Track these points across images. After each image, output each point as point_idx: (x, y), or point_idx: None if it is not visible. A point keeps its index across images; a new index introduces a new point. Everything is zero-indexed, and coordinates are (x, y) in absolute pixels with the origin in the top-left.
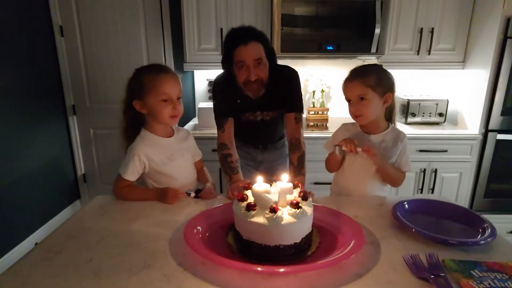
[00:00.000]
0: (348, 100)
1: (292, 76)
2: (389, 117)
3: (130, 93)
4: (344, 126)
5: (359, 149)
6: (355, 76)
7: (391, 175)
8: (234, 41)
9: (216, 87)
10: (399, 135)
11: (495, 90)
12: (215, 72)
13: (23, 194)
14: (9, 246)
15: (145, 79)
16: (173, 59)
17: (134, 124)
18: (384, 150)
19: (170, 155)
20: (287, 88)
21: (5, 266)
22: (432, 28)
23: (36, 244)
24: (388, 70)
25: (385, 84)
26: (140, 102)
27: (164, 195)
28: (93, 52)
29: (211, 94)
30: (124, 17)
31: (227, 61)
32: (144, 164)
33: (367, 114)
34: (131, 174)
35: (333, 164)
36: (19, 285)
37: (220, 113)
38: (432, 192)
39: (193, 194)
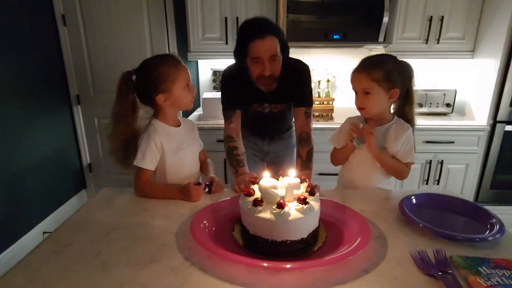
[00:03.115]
0: (355, 92)
1: (303, 71)
2: (404, 112)
3: (150, 89)
4: (349, 119)
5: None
6: (363, 68)
7: (391, 166)
8: (250, 34)
9: (225, 79)
10: (404, 128)
11: (504, 80)
12: (220, 62)
13: (29, 184)
14: (17, 235)
15: (165, 70)
16: (177, 49)
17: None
18: (387, 142)
19: (180, 144)
20: (298, 82)
21: (13, 255)
22: (442, 16)
23: (44, 233)
24: (403, 62)
25: (394, 79)
26: (164, 95)
27: (187, 193)
28: (96, 41)
29: (215, 84)
30: (127, 5)
31: (241, 53)
32: (160, 151)
33: (370, 108)
34: (150, 162)
35: (340, 157)
36: (30, 278)
37: (228, 105)
38: (438, 184)
39: (206, 189)
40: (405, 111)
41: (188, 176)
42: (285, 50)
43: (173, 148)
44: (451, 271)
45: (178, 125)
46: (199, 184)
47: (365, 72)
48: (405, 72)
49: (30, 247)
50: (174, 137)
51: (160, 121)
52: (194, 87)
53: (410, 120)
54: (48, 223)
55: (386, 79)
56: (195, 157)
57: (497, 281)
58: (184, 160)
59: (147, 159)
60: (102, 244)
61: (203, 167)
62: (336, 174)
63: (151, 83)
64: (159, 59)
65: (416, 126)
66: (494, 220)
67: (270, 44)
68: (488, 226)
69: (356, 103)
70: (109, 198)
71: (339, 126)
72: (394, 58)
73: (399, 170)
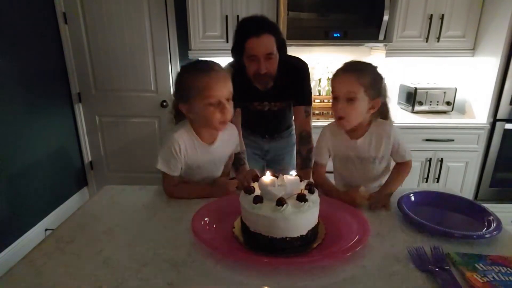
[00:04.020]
0: (335, 97)
1: (302, 69)
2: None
3: (175, 94)
4: (329, 128)
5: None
6: (350, 69)
7: (401, 182)
8: (246, 32)
9: None
10: (385, 129)
11: (504, 78)
12: (220, 60)
13: (31, 181)
14: (19, 232)
15: (189, 80)
16: (177, 47)
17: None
18: (375, 151)
19: (202, 164)
20: (297, 80)
21: (16, 252)
22: (442, 15)
23: (46, 230)
24: (380, 73)
25: (378, 87)
26: (186, 106)
27: (222, 188)
28: (98, 39)
29: None
30: (128, 4)
31: (238, 51)
32: (180, 159)
33: (351, 118)
34: (175, 171)
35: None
36: (33, 274)
37: None
38: (438, 182)
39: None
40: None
41: (204, 180)
42: (282, 49)
43: (192, 165)
44: (448, 268)
45: (213, 140)
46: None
47: (353, 74)
48: (384, 83)
49: (32, 244)
50: (201, 155)
51: (194, 129)
52: (230, 106)
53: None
54: (50, 221)
55: (373, 85)
56: (218, 170)
57: (493, 278)
58: (199, 176)
59: (171, 166)
60: (104, 240)
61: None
62: None
63: (176, 88)
64: (189, 65)
65: (416, 124)
66: (492, 217)
67: (266, 42)
68: (486, 223)
69: (335, 112)
70: (111, 196)
71: None
72: (374, 65)
73: (405, 176)
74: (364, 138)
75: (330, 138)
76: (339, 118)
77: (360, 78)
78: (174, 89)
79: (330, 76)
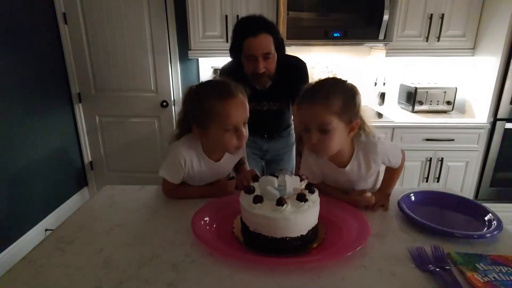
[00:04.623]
0: (305, 129)
1: (301, 68)
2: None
3: (188, 114)
4: (311, 157)
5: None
6: (318, 98)
7: (396, 180)
8: (243, 32)
9: (222, 76)
10: (370, 148)
11: (505, 77)
12: (220, 60)
13: (31, 182)
14: (19, 233)
15: (207, 106)
16: (177, 46)
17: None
18: (365, 170)
19: (205, 176)
20: (295, 80)
21: (15, 253)
22: (442, 14)
23: (46, 230)
24: (349, 84)
25: (352, 107)
26: (201, 130)
27: (222, 189)
28: (97, 39)
29: None
30: (127, 4)
31: (236, 50)
32: (184, 170)
33: (329, 148)
34: (176, 179)
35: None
36: (33, 274)
37: None
38: (438, 181)
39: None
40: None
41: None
42: (280, 48)
43: (195, 177)
44: (448, 268)
45: (219, 159)
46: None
47: (321, 103)
48: (356, 96)
49: (32, 244)
50: (208, 171)
51: (203, 148)
52: (246, 129)
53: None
54: (50, 221)
55: (346, 109)
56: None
57: (494, 277)
58: (200, 183)
59: (173, 176)
60: (104, 240)
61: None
62: None
63: (186, 107)
64: (208, 89)
65: (416, 124)
66: (492, 217)
67: (263, 42)
68: (486, 223)
69: (308, 144)
70: (111, 196)
71: None
72: (343, 81)
73: (400, 173)
74: (351, 164)
75: (314, 163)
76: (315, 151)
77: (330, 106)
78: (186, 108)
79: (330, 76)
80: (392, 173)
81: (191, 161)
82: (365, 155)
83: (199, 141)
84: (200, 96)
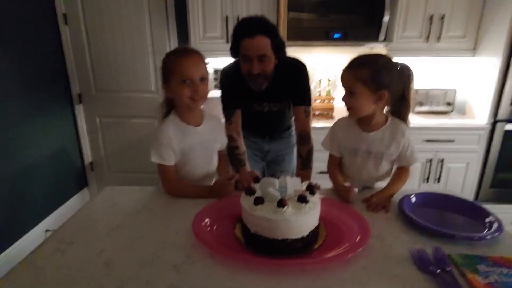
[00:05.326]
0: (344, 89)
1: (301, 70)
2: (400, 113)
3: (162, 74)
4: (341, 122)
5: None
6: (350, 66)
7: (402, 186)
8: (241, 32)
9: (223, 78)
10: (399, 129)
11: (505, 79)
12: (221, 61)
13: (31, 182)
14: (19, 234)
15: (168, 62)
16: None
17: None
18: (385, 147)
19: (194, 145)
20: (296, 81)
21: (16, 254)
22: (443, 15)
23: (46, 231)
24: (401, 65)
25: (382, 80)
26: (166, 85)
27: (218, 190)
28: (98, 40)
29: (216, 83)
30: (128, 5)
31: (234, 50)
32: (171, 148)
33: (356, 108)
34: (168, 159)
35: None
36: (33, 276)
37: (227, 105)
38: (438, 182)
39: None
40: (399, 115)
41: (196, 179)
42: (280, 51)
43: (184, 148)
44: (449, 269)
45: (199, 123)
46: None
47: (350, 70)
48: (399, 75)
49: (33, 245)
50: (189, 136)
51: (177, 116)
52: (204, 85)
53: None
54: (50, 222)
55: (373, 80)
56: (211, 159)
57: (495, 279)
58: (194, 162)
59: (164, 156)
60: (105, 242)
61: (221, 164)
62: None
63: (161, 72)
64: (172, 51)
65: (416, 125)
66: (493, 218)
67: (259, 44)
68: (487, 224)
69: (344, 102)
70: (112, 196)
71: None
72: (387, 59)
73: (405, 181)
74: (376, 132)
75: (341, 129)
76: (347, 109)
77: (357, 74)
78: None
79: (331, 77)
80: (399, 176)
81: (173, 132)
82: (392, 133)
83: (174, 113)
84: (165, 57)
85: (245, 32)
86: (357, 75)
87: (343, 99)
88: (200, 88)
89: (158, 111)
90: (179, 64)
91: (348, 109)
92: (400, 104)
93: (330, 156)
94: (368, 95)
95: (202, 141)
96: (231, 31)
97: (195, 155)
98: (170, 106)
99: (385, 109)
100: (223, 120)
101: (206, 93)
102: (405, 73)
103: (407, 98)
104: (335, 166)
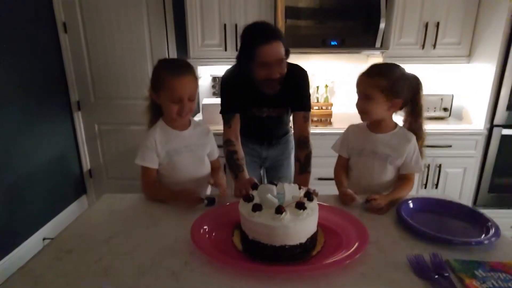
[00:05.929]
0: (358, 94)
1: (302, 76)
2: (410, 124)
3: (151, 81)
4: (354, 126)
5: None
6: (369, 74)
7: (405, 194)
8: (256, 39)
9: (225, 83)
10: (407, 135)
11: (501, 84)
12: (219, 68)
13: (29, 190)
14: (17, 242)
15: (161, 75)
16: (176, 55)
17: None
18: (391, 150)
19: (179, 148)
20: (297, 87)
21: (13, 262)
22: (438, 22)
23: (44, 239)
24: (410, 75)
25: (397, 90)
26: (155, 95)
27: (188, 197)
28: (97, 48)
29: (215, 90)
30: (127, 13)
31: (247, 57)
32: (155, 151)
33: (370, 112)
34: (150, 162)
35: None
36: (31, 284)
37: (227, 109)
38: (436, 187)
39: (205, 202)
40: (411, 123)
41: (184, 183)
42: (287, 54)
43: (170, 151)
44: (447, 275)
45: (185, 128)
46: (201, 199)
47: (370, 78)
48: (411, 85)
49: (30, 253)
50: (174, 140)
51: (164, 121)
52: (191, 103)
53: (416, 132)
54: (48, 229)
55: (389, 88)
56: (200, 164)
57: (493, 284)
58: (180, 165)
59: (146, 159)
60: (103, 249)
61: (213, 176)
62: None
63: (152, 77)
64: (166, 61)
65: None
66: (490, 223)
67: (277, 49)
68: (484, 229)
69: (358, 106)
70: (110, 204)
71: (337, 131)
72: (402, 70)
73: (409, 189)
74: (384, 135)
75: (353, 131)
76: (361, 112)
77: (376, 82)
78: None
79: (329, 84)
80: (403, 183)
81: (159, 136)
82: (399, 138)
83: (160, 119)
84: (158, 65)
85: (260, 39)
86: (376, 83)
87: (358, 103)
88: (187, 106)
89: (144, 113)
90: (171, 84)
91: (362, 113)
92: (412, 112)
93: (338, 158)
94: (384, 102)
95: (189, 144)
96: (229, 39)
97: (182, 158)
98: (155, 111)
99: (401, 121)
100: (218, 126)
101: (193, 110)
102: (414, 83)
103: (417, 107)
104: (342, 167)
